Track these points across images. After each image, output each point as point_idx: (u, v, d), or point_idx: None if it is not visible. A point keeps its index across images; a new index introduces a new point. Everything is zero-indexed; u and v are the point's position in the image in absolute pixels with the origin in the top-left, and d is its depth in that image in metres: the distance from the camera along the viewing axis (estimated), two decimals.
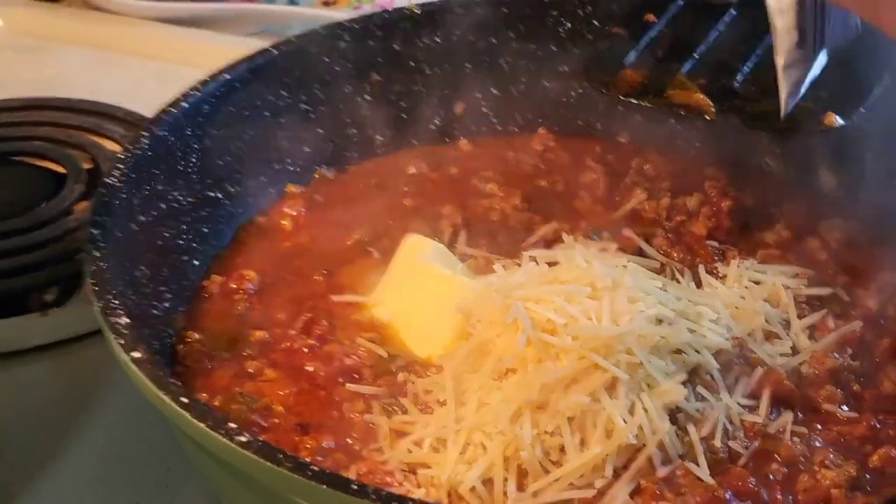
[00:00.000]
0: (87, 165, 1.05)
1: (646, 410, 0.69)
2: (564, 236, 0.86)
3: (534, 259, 0.81)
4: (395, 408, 0.74)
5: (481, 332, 0.75)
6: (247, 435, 0.58)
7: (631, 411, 0.69)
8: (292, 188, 0.93)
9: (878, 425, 0.73)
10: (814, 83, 0.82)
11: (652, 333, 0.72)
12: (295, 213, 0.91)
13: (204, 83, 0.87)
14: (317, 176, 0.95)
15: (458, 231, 0.88)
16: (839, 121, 0.82)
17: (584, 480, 0.68)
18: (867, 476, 0.69)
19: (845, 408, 0.74)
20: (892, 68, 0.84)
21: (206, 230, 0.86)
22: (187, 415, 0.59)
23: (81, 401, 0.86)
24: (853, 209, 0.91)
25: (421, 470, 0.69)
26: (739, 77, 0.85)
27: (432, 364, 0.77)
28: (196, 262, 0.85)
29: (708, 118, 0.85)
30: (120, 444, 0.83)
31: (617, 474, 0.68)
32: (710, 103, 0.85)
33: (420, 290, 0.80)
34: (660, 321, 0.74)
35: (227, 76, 0.88)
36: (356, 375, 0.76)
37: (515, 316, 0.72)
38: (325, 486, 0.55)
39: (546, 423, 0.69)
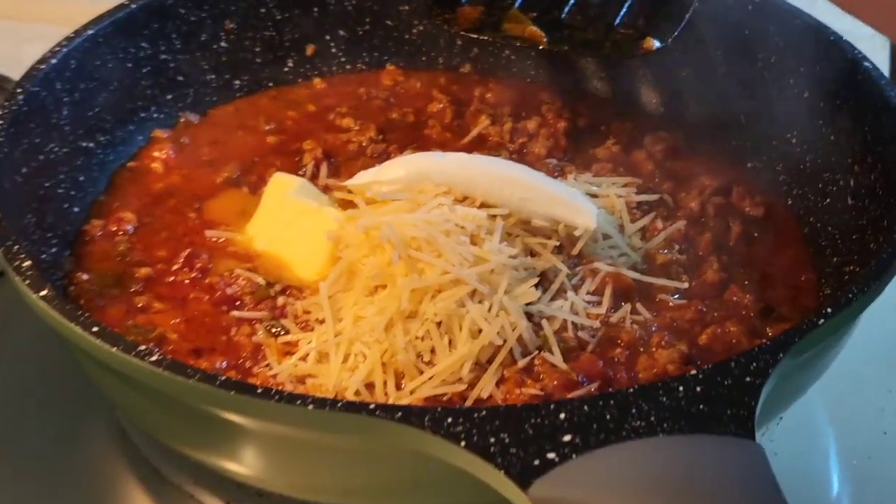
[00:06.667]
0: None
1: (506, 311, 0.78)
2: None
3: None
4: (278, 329, 0.81)
5: (350, 255, 0.82)
6: (157, 354, 0.65)
7: (492, 313, 0.78)
8: (159, 133, 0.99)
9: (704, 309, 0.83)
10: (631, 11, 0.92)
11: (504, 254, 0.80)
12: (164, 156, 0.96)
13: (70, 39, 0.92)
14: (182, 121, 1.00)
15: (320, 164, 0.95)
16: (657, 44, 0.92)
17: (455, 376, 0.76)
18: (696, 352, 0.80)
19: (676, 297, 0.84)
20: None
21: (82, 178, 0.91)
22: (100, 342, 0.65)
23: None
24: (672, 123, 1.01)
25: (309, 380, 0.77)
26: (566, 9, 0.94)
27: (307, 287, 0.84)
28: (76, 209, 0.90)
29: (540, 47, 0.94)
30: (23, 380, 0.89)
31: (483, 368, 0.76)
32: (542, 34, 0.94)
33: (290, 223, 0.87)
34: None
35: (91, 31, 0.93)
36: (238, 302, 0.83)
37: (387, 236, 0.79)
38: (233, 393, 0.62)
39: (417, 329, 0.77)
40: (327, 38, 1.07)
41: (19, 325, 0.93)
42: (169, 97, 1.00)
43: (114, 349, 0.65)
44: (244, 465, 0.71)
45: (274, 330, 0.81)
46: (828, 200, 0.90)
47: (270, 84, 1.06)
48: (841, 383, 0.87)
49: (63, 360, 0.82)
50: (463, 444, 0.59)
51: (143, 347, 0.65)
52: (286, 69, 1.07)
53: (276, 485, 0.73)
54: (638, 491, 0.55)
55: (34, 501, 0.80)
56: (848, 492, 0.82)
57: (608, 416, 0.60)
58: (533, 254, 0.83)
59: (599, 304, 0.82)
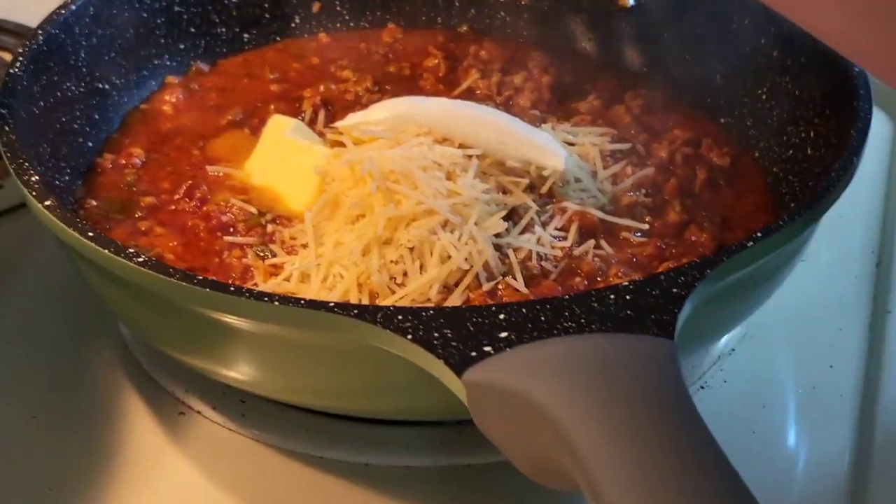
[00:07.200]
0: None
1: (474, 240, 0.84)
2: None
3: None
4: (267, 253, 0.88)
5: (334, 187, 0.89)
6: (143, 256, 0.72)
7: (461, 241, 0.84)
8: (171, 79, 1.06)
9: (663, 246, 0.89)
10: None
11: (476, 189, 0.87)
12: (174, 100, 1.04)
13: None
14: (193, 69, 1.08)
15: (318, 110, 1.02)
16: (630, 2, 0.98)
17: (423, 297, 0.83)
18: None
19: (638, 235, 0.91)
20: None
21: (96, 116, 0.99)
22: (93, 244, 0.73)
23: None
24: (654, 82, 1.07)
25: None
26: None
27: (296, 217, 0.91)
28: (90, 144, 0.97)
29: (524, 3, 1.00)
30: (40, 304, 0.97)
31: (450, 290, 0.83)
32: None
33: (284, 159, 0.94)
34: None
35: None
36: (232, 229, 0.90)
37: (367, 169, 0.86)
38: (208, 290, 0.69)
39: (391, 254, 0.84)
40: None
41: (38, 255, 1.01)
42: (182, 47, 1.08)
43: (105, 250, 0.72)
44: (225, 365, 0.77)
45: (262, 254, 0.88)
46: (790, 152, 0.96)
47: (277, 38, 1.13)
48: (796, 320, 0.94)
49: (75, 286, 0.89)
50: (409, 337, 0.66)
51: (131, 250, 0.72)
52: (293, 25, 1.14)
53: (254, 385, 0.80)
54: (553, 374, 0.61)
55: (48, 403, 0.88)
56: (796, 416, 0.88)
57: (543, 318, 0.67)
58: (506, 191, 0.90)
59: (565, 239, 0.89)
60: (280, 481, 0.82)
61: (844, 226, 1.00)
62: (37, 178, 0.79)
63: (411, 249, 0.84)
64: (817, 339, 0.93)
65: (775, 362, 0.92)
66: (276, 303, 0.69)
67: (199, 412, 0.86)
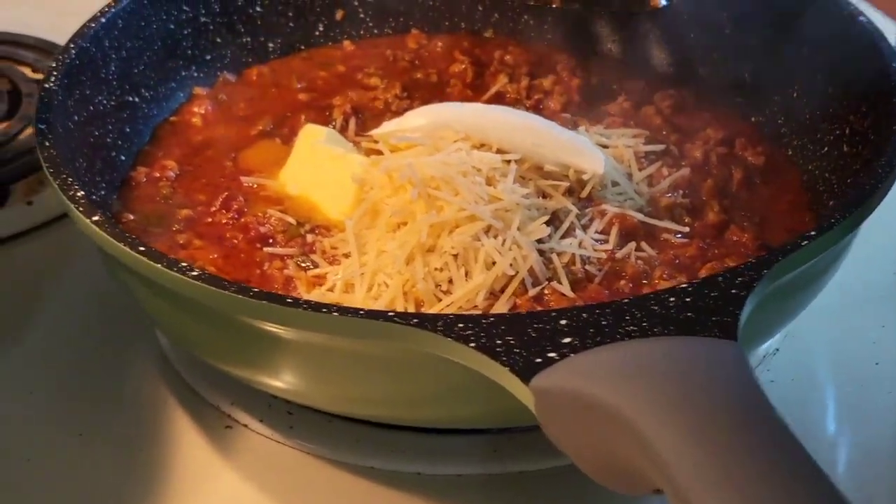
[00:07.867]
0: (6, 87, 1.16)
1: (518, 245, 0.84)
2: None
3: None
4: (308, 263, 0.88)
5: (374, 195, 0.89)
6: (197, 270, 0.71)
7: (505, 246, 0.84)
8: (199, 90, 1.06)
9: (705, 247, 0.89)
10: None
11: (517, 193, 0.87)
12: (203, 112, 1.03)
13: (117, 2, 0.99)
14: (220, 79, 1.08)
15: (349, 118, 1.02)
16: (663, 2, 0.98)
17: (470, 304, 0.82)
18: None
19: (679, 236, 0.90)
20: None
21: (127, 130, 0.99)
22: (145, 259, 0.72)
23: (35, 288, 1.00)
24: (682, 82, 1.07)
25: None
26: None
27: (335, 227, 0.90)
28: (123, 158, 0.97)
29: (554, 6, 1.00)
30: (79, 315, 0.96)
31: (496, 296, 0.83)
32: None
33: (319, 168, 0.94)
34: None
35: None
36: (271, 240, 0.90)
37: (407, 176, 0.86)
38: (265, 302, 0.69)
39: (435, 261, 0.84)
40: (355, 3, 1.14)
41: (68, 273, 1.01)
42: (208, 57, 1.08)
43: (158, 265, 0.72)
44: (276, 376, 0.77)
45: (304, 264, 0.87)
46: (825, 149, 0.95)
47: (302, 47, 1.13)
48: (838, 318, 0.94)
49: (114, 297, 0.89)
50: (472, 345, 0.66)
51: (184, 263, 0.72)
52: (317, 33, 1.14)
53: (306, 397, 0.80)
54: (625, 378, 0.61)
55: (92, 421, 0.87)
56: (843, 415, 0.88)
57: (604, 322, 0.66)
58: (545, 195, 0.90)
59: (607, 242, 0.88)
60: (331, 493, 0.81)
61: (882, 222, 0.99)
62: (82, 193, 0.78)
63: (455, 256, 0.84)
64: (860, 336, 0.93)
65: (819, 361, 0.92)
66: (336, 314, 0.68)
67: (245, 425, 0.86)
